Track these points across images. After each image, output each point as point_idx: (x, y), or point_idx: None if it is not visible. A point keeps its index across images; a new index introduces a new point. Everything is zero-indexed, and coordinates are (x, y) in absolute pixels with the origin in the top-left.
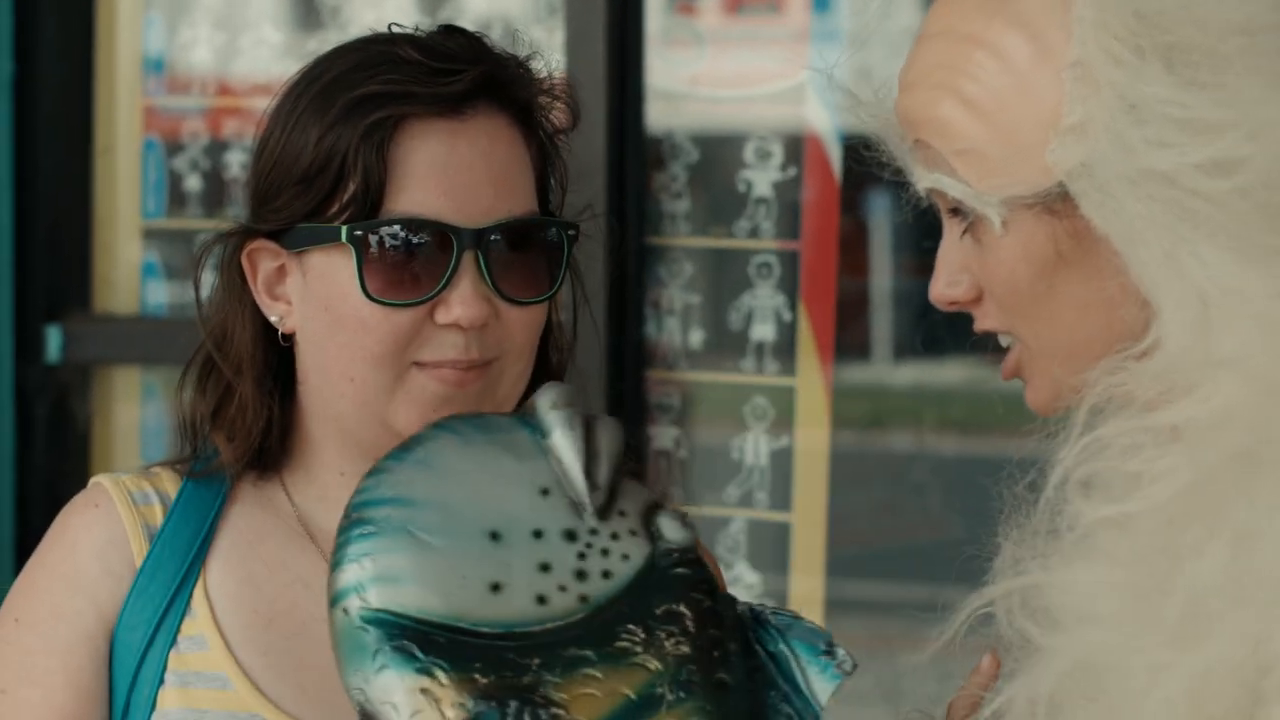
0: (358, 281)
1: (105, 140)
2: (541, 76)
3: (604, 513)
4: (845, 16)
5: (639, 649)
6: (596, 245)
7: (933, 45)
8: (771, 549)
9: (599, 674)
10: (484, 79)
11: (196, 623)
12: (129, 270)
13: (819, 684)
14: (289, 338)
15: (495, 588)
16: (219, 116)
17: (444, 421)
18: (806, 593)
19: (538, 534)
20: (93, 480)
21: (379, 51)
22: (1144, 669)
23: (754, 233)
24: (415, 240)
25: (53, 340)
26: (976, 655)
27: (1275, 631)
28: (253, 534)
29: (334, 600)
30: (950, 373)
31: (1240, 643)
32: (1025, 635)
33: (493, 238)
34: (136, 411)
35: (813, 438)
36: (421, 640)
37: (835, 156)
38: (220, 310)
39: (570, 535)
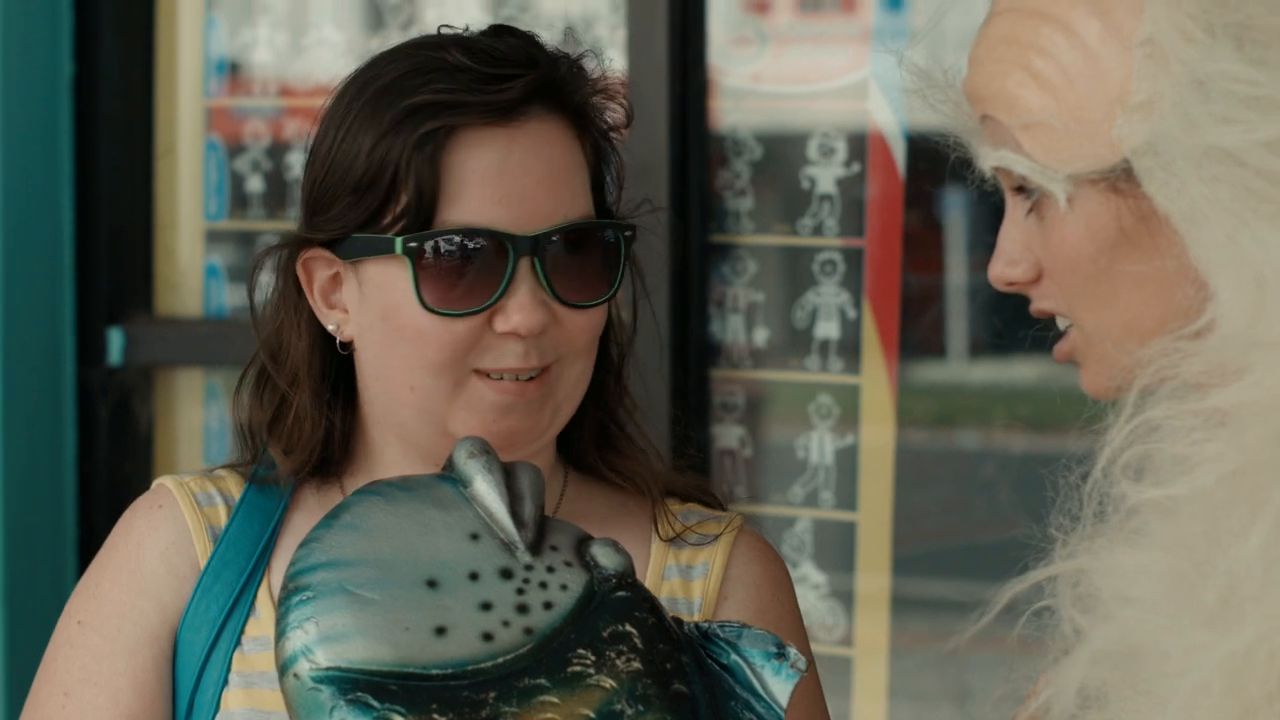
0: (414, 292)
1: (166, 142)
2: (595, 76)
3: (536, 548)
4: (915, 14)
5: (591, 670)
6: (659, 241)
7: (1001, 21)
8: (837, 548)
9: (556, 699)
10: (536, 84)
11: (261, 623)
12: (191, 272)
13: (776, 686)
14: (347, 345)
15: (440, 631)
16: (281, 117)
17: (366, 486)
18: (872, 592)
19: (474, 576)
20: (156, 481)
21: (428, 57)
22: (1180, 651)
23: (818, 230)
24: (471, 249)
25: (115, 343)
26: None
27: None
28: None
29: (283, 669)
30: (1018, 370)
31: (1278, 625)
32: (1071, 622)
33: (549, 243)
34: (199, 413)
35: (878, 436)
36: (375, 690)
37: (899, 153)
38: (275, 320)
39: (506, 573)
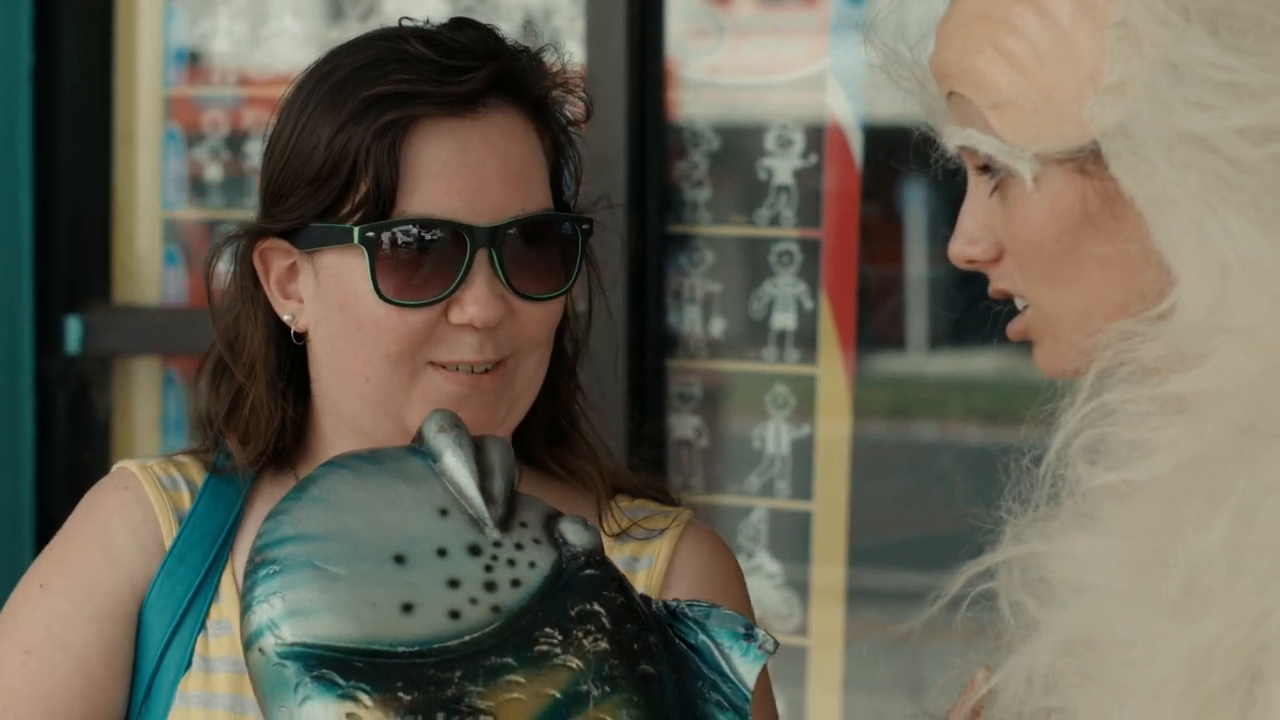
0: (371, 283)
1: (125, 131)
2: (555, 69)
3: (505, 525)
4: (874, 8)
5: (558, 650)
6: (615, 235)
7: (974, 1)
8: (792, 538)
9: (522, 678)
10: (496, 76)
11: (222, 608)
12: (149, 261)
13: (743, 667)
14: (302, 336)
15: (407, 608)
16: (240, 107)
17: (335, 459)
18: (828, 583)
19: (442, 552)
20: (117, 465)
21: (389, 48)
22: (1143, 641)
23: (775, 221)
24: (428, 239)
25: (73, 331)
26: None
27: (1275, 606)
28: None
29: (248, 643)
30: (976, 362)
31: (1240, 617)
32: (1022, 608)
33: (506, 235)
34: (157, 402)
35: (834, 427)
36: (341, 667)
37: (857, 144)
38: (232, 310)
39: (474, 549)
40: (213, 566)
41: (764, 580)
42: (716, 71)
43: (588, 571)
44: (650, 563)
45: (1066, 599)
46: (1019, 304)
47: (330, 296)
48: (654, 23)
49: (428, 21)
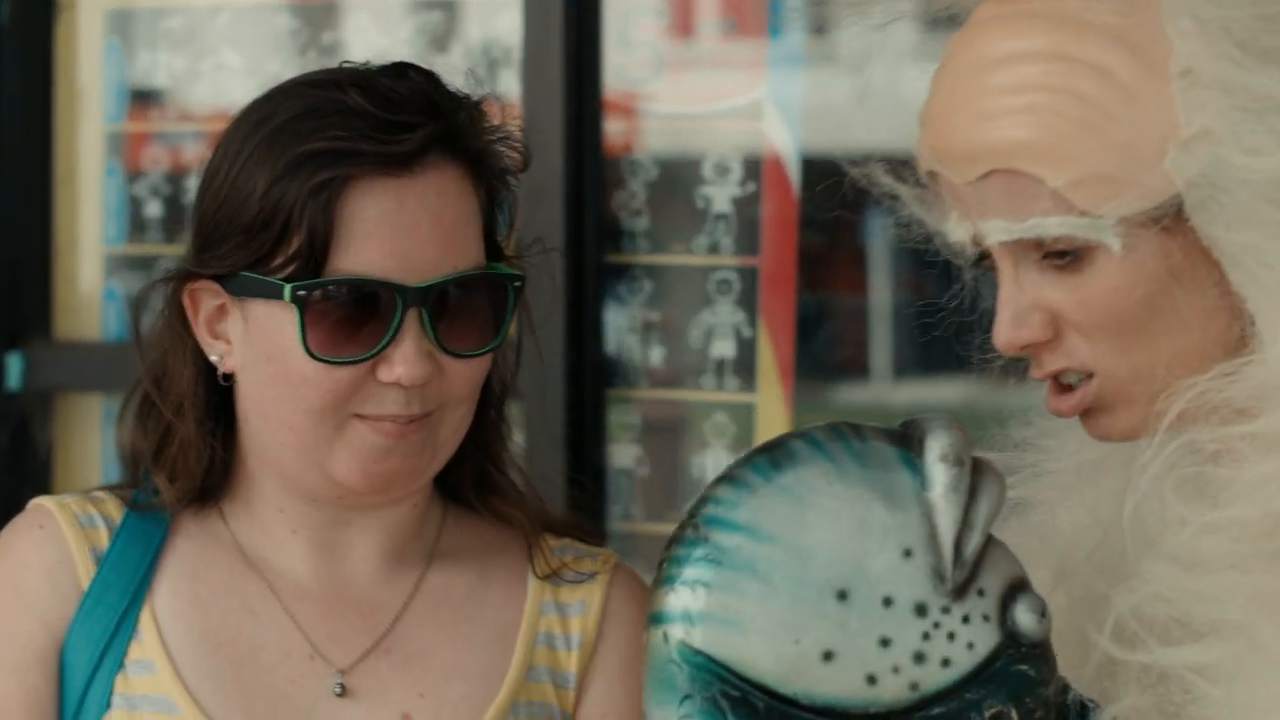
0: (300, 339)
1: (66, 167)
2: (494, 119)
3: (961, 590)
4: (801, 41)
5: None
6: (555, 265)
7: (1011, 71)
8: None
9: None
10: (435, 135)
11: (144, 646)
12: (90, 297)
13: None
14: (229, 377)
15: (828, 656)
16: (180, 142)
17: (821, 440)
18: None
19: (888, 602)
20: (33, 502)
21: (326, 98)
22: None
23: (713, 249)
24: (359, 298)
25: (14, 367)
26: None
27: None
28: (198, 560)
29: (656, 618)
30: (918, 390)
31: None
32: (1146, 647)
33: (438, 294)
34: (98, 438)
35: None
36: (737, 700)
37: (794, 173)
38: (159, 347)
39: (921, 610)
40: (130, 605)
41: None
42: (654, 101)
43: (1021, 667)
44: (583, 608)
45: (1203, 635)
46: (1072, 378)
47: (258, 345)
48: (591, 53)
49: (367, 64)
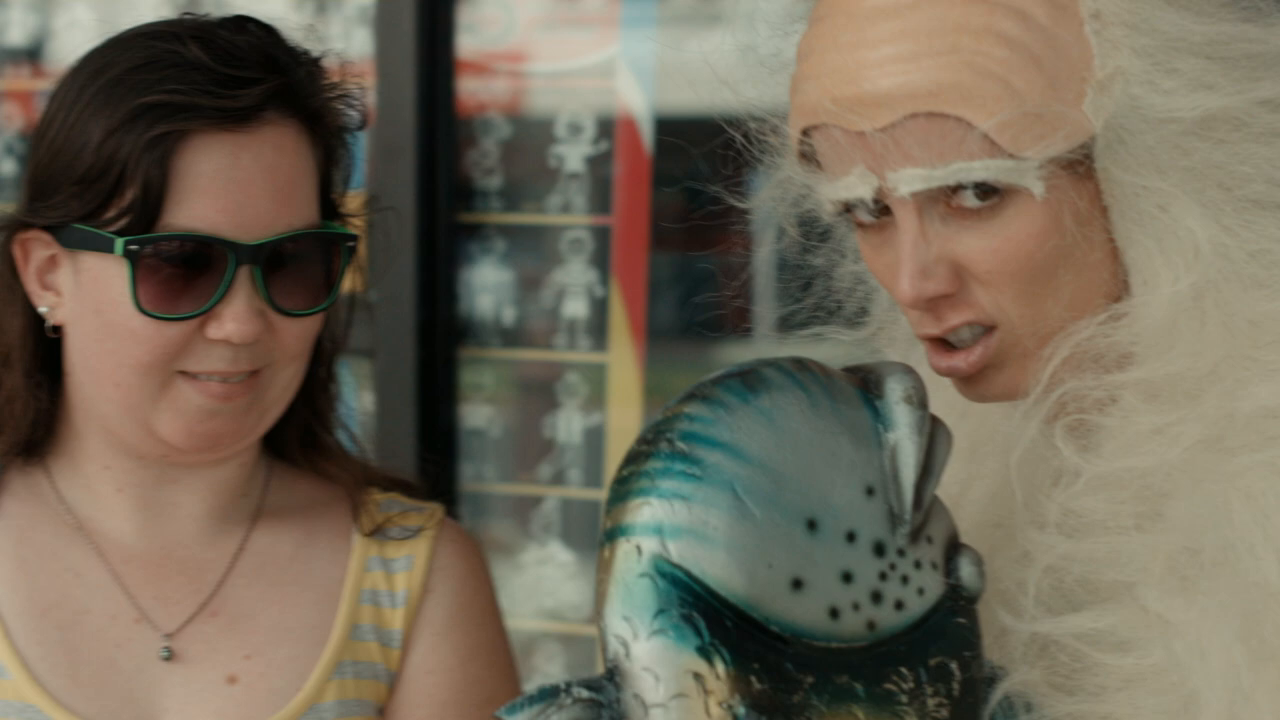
0: (130, 294)
1: None
2: (334, 77)
3: (915, 535)
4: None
5: (904, 698)
6: (404, 222)
7: (927, 13)
8: (585, 527)
9: (861, 713)
10: (273, 91)
11: None
12: None
13: None
14: (58, 329)
15: (797, 584)
16: (34, 100)
17: (791, 369)
18: None
19: (851, 536)
20: None
21: (165, 50)
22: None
23: (566, 209)
24: (191, 254)
25: None
26: None
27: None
28: (24, 521)
29: (625, 529)
30: (766, 349)
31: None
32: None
33: (270, 252)
34: None
35: (625, 415)
36: (711, 618)
37: (647, 132)
38: None
39: (879, 549)
40: None
41: (557, 570)
42: (507, 59)
43: (959, 619)
44: (409, 564)
45: (1121, 593)
46: (968, 334)
47: (88, 298)
48: (444, 11)
49: (207, 16)
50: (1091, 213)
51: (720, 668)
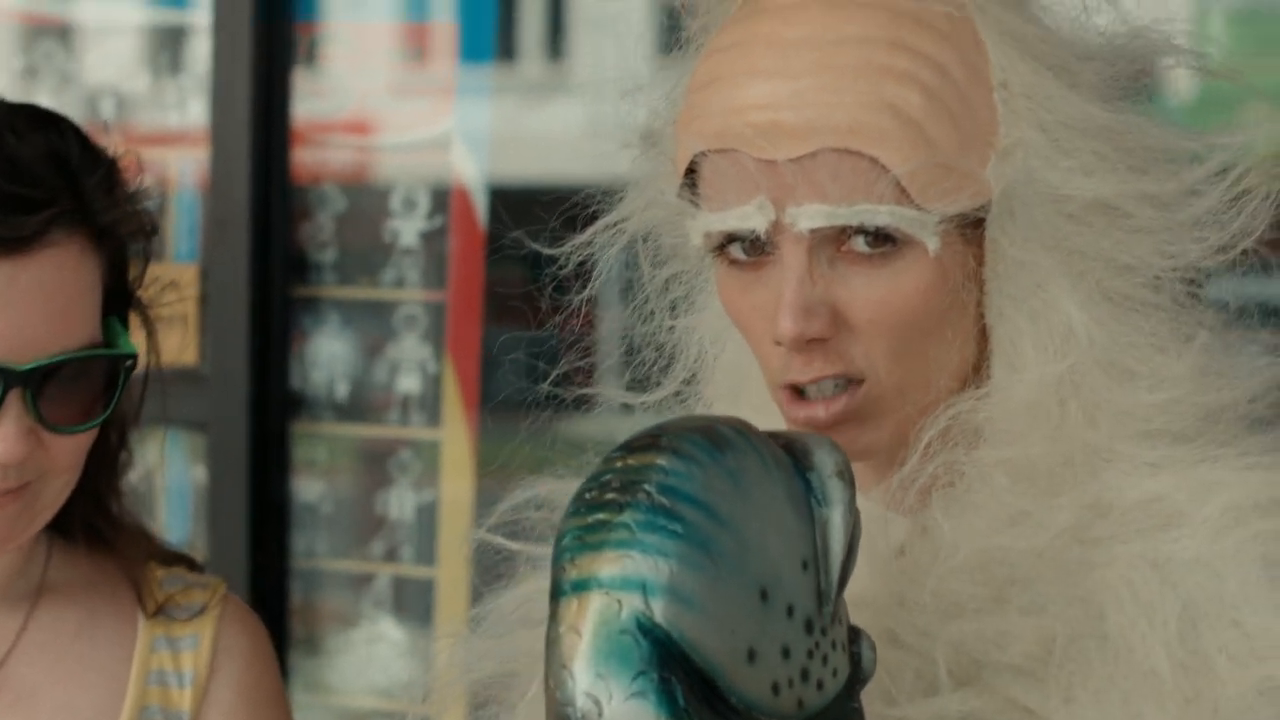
0: None
1: None
2: (128, 187)
3: (833, 615)
4: (496, 70)
5: None
6: (240, 296)
7: (853, 53)
8: (416, 604)
9: None
10: (58, 216)
11: None
12: None
13: None
14: None
15: (751, 655)
16: None
17: (742, 429)
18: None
19: (789, 611)
20: None
21: None
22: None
23: (400, 283)
24: None
25: None
26: None
27: None
28: None
29: (601, 582)
30: (601, 424)
31: None
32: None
33: (43, 375)
34: None
35: (458, 490)
36: (687, 683)
37: (481, 205)
38: None
39: (809, 627)
40: None
41: (388, 647)
42: (343, 130)
43: (854, 705)
44: (195, 643)
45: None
46: (831, 387)
47: None
48: (279, 83)
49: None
50: (974, 280)
51: None
